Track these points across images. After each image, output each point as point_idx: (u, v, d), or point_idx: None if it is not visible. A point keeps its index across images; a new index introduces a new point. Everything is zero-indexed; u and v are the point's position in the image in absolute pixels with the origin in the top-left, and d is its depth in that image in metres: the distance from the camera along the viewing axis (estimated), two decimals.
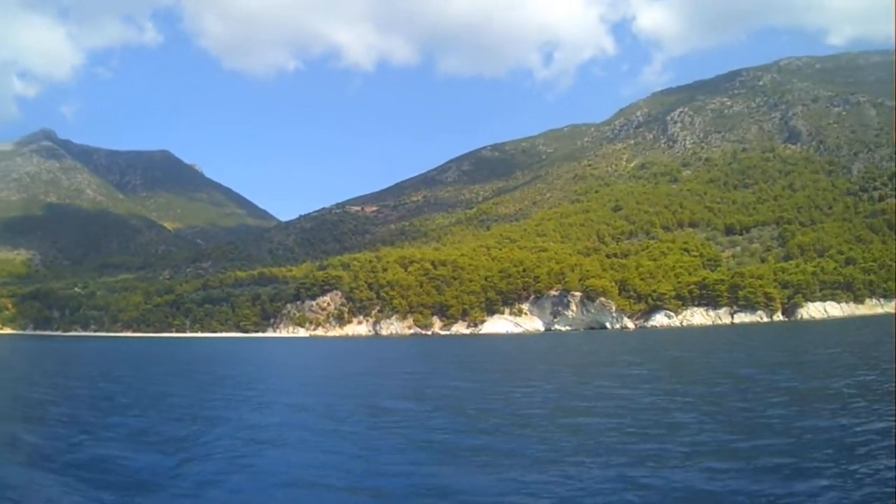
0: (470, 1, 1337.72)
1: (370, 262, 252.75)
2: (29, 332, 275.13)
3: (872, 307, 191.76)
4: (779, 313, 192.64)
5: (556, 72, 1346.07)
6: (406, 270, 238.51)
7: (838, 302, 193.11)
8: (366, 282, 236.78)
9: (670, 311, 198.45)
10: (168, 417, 34.79)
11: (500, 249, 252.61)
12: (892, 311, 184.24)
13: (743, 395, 36.00)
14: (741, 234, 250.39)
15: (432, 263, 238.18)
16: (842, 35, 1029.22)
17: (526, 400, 38.88)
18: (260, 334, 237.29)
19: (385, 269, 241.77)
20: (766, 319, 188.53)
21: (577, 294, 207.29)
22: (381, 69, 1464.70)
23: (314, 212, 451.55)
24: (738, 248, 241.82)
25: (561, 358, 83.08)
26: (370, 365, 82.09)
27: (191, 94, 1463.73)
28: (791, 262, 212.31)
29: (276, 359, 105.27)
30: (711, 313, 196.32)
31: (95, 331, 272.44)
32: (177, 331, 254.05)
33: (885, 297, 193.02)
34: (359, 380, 59.41)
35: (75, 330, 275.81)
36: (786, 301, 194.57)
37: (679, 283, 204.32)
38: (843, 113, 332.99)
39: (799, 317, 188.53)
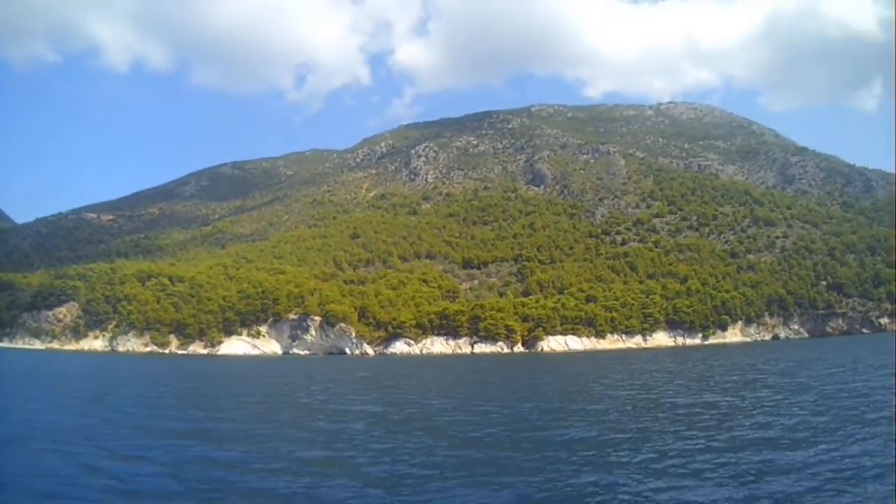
0: (231, 13, 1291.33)
1: (107, 273, 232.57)
2: None
3: (614, 342, 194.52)
4: (519, 345, 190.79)
5: (307, 95, 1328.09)
6: (144, 285, 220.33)
7: (579, 336, 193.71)
8: (103, 294, 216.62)
9: (410, 339, 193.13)
10: None
11: (238, 269, 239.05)
12: (634, 345, 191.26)
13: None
14: (479, 269, 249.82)
15: (170, 279, 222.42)
16: (599, 88, 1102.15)
17: None
18: None
19: (123, 282, 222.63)
20: (506, 350, 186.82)
21: (317, 318, 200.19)
22: (136, 73, 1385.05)
23: (51, 216, 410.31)
24: (476, 282, 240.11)
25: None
26: None
27: None
28: (531, 297, 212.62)
29: None
30: (451, 342, 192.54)
31: None
32: None
33: (626, 333, 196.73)
34: None
35: None
36: (526, 334, 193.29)
37: (419, 312, 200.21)
38: (591, 161, 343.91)
39: (539, 349, 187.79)
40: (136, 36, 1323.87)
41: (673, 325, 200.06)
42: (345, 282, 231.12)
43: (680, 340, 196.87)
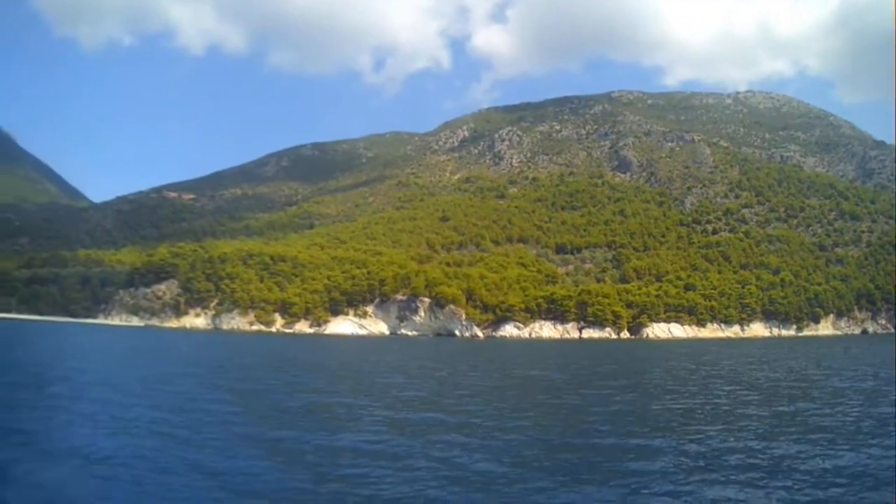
0: None
1: (206, 251, 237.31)
2: None
3: (714, 331, 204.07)
4: (625, 331, 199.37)
5: (386, 78, 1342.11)
6: (246, 264, 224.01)
7: (682, 324, 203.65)
8: (203, 272, 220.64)
9: (519, 322, 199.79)
10: None
11: (336, 249, 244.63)
12: (733, 335, 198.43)
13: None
14: (572, 254, 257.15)
15: (272, 258, 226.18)
16: (676, 76, 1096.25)
17: None
18: (91, 320, 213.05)
19: (223, 261, 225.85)
20: (613, 336, 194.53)
21: (426, 300, 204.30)
22: (212, 55, 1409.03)
23: (131, 194, 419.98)
24: (572, 267, 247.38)
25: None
26: None
27: (17, 57, 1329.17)
28: (632, 283, 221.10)
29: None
30: (559, 327, 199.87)
31: None
32: (1, 311, 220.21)
33: (725, 322, 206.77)
34: None
35: None
36: (631, 320, 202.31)
37: (526, 296, 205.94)
38: (677, 148, 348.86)
39: (644, 335, 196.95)
40: (213, 18, 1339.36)
41: (769, 316, 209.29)
42: (446, 264, 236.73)
43: (776, 331, 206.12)
